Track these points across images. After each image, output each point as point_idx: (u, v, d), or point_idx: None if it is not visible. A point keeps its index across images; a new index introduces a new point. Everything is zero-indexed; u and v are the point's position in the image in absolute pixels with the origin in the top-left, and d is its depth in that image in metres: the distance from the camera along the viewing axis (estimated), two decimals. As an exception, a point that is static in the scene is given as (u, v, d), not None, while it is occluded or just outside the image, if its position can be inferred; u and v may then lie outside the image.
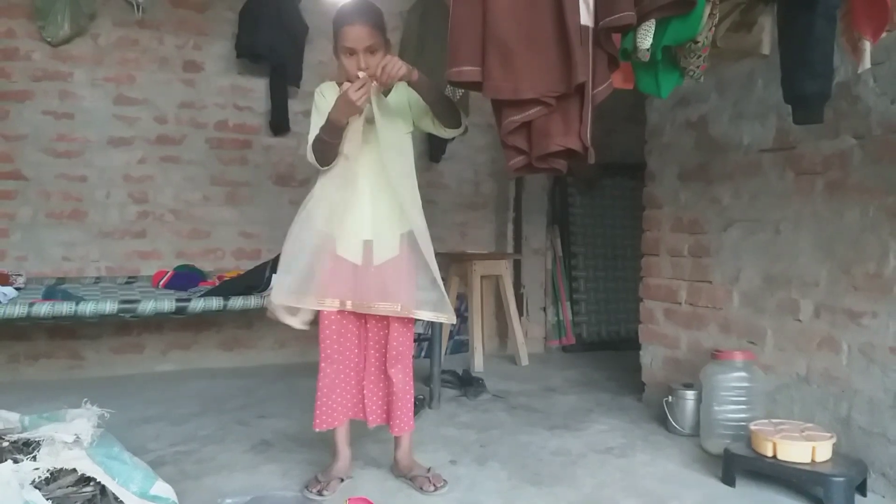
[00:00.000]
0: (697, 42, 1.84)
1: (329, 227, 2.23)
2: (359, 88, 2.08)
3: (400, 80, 2.12)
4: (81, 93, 3.97)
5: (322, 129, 2.20)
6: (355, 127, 2.18)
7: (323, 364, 2.31)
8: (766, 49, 2.08)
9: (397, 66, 2.07)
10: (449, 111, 2.26)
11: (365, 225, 2.26)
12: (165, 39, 4.11)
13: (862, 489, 2.23)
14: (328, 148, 2.21)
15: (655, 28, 1.78)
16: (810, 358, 2.56)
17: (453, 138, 4.41)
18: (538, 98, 1.80)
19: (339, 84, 2.23)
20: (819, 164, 2.55)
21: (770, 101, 2.72)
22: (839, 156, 2.47)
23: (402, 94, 2.30)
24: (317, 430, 2.32)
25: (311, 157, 2.25)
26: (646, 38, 1.75)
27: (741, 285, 2.88)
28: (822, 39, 1.85)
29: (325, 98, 2.26)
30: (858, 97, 2.40)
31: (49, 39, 3.85)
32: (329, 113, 2.17)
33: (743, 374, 2.64)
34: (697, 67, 1.89)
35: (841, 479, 2.14)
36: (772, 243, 2.74)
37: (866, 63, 1.96)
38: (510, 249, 4.83)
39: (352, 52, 2.15)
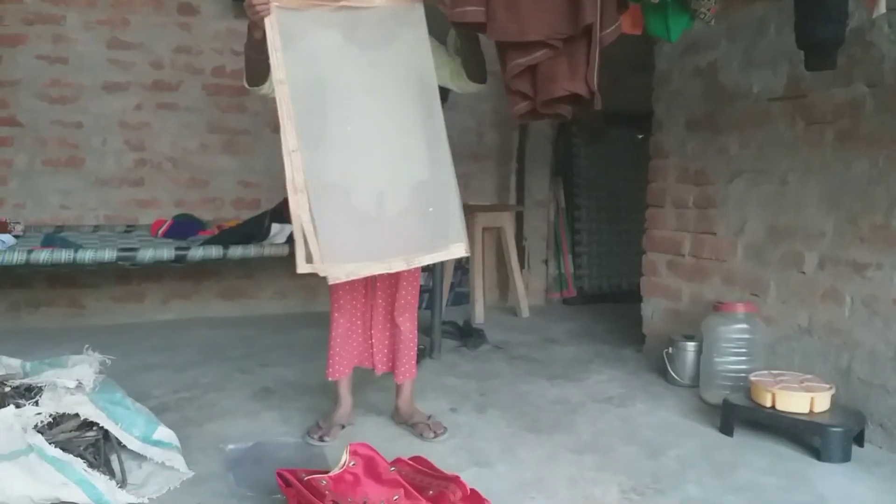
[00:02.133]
0: (710, -18, 1.77)
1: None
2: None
3: None
4: (75, 36, 3.87)
5: (246, 43, 2.12)
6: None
7: (336, 314, 2.32)
8: (780, -9, 2.01)
9: None
10: (479, 60, 2.16)
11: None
12: (160, -20, 4.00)
13: (859, 440, 2.24)
14: (253, 65, 2.13)
15: (667, -33, 1.72)
16: (813, 310, 2.55)
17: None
18: (544, 40, 1.74)
19: None
20: (830, 113, 2.50)
21: (782, 48, 2.65)
22: (851, 104, 2.42)
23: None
24: (330, 379, 2.35)
25: (245, 80, 2.20)
26: (657, -23, 1.69)
27: (746, 237, 2.86)
28: (839, -19, 1.78)
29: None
30: (872, 44, 2.33)
31: (40, -20, 3.75)
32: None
33: (744, 325, 2.64)
34: (708, 10, 1.83)
35: (838, 429, 2.16)
36: (778, 194, 2.71)
37: (881, 8, 1.89)
38: (513, 201, 4.79)
39: None
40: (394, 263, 2.06)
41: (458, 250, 2.12)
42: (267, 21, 2.00)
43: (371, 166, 2.12)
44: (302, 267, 2.02)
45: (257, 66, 2.13)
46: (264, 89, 2.21)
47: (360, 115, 2.10)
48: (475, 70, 2.20)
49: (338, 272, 1.99)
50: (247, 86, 2.23)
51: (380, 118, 2.13)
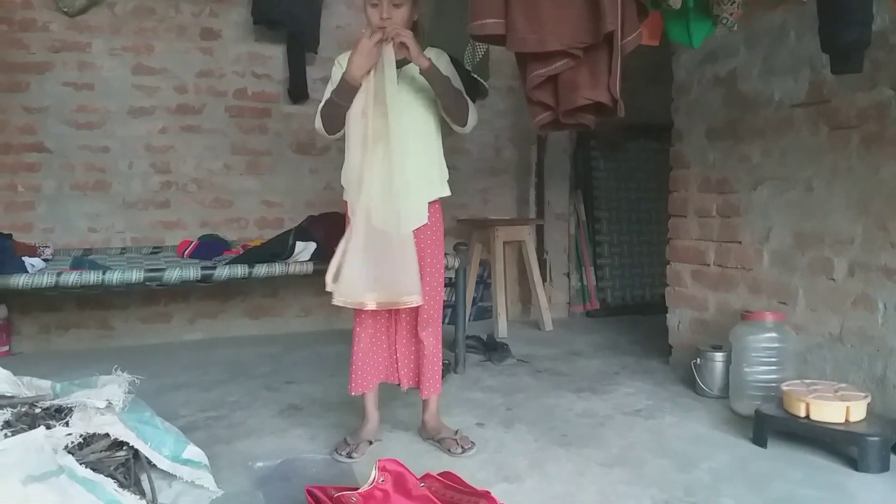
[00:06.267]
0: (731, -12, 1.76)
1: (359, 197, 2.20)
2: (371, 36, 2.05)
3: (400, 44, 2.08)
4: (100, 63, 3.96)
5: (335, 91, 2.18)
6: (375, 91, 2.14)
7: (358, 329, 2.33)
8: (803, -5, 2.00)
9: (400, 32, 2.05)
10: (456, 106, 2.21)
11: (391, 193, 2.18)
12: (182, 7, 4.08)
13: (897, 449, 2.19)
14: (338, 112, 2.20)
15: (687, -26, 1.72)
16: (844, 317, 2.51)
17: (473, 102, 4.38)
18: (564, 50, 1.74)
19: None
20: (854, 117, 2.47)
21: (803, 54, 2.63)
22: (876, 108, 2.39)
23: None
24: (352, 393, 2.35)
25: (318, 124, 2.27)
26: (677, -16, 1.68)
27: (771, 245, 2.82)
28: (862, -17, 1.76)
29: (341, 68, 2.21)
30: (895, 46, 2.31)
31: (66, 10, 3.83)
32: (343, 73, 2.15)
33: (773, 334, 2.60)
34: (731, 15, 1.82)
35: (876, 438, 2.10)
36: (803, 201, 2.67)
37: (907, 9, 1.87)
38: (532, 215, 4.78)
39: (375, 2, 2.11)
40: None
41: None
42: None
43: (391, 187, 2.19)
44: (329, 286, 2.19)
45: (341, 115, 2.22)
46: (340, 133, 2.29)
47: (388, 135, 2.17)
48: (452, 113, 2.23)
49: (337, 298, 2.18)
50: (326, 135, 2.29)
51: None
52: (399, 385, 2.42)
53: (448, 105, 2.21)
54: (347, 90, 2.16)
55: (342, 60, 2.23)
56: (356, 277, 2.16)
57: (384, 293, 2.18)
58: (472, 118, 2.27)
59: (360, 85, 2.16)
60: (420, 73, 2.15)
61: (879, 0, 2.02)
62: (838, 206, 2.53)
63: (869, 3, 1.84)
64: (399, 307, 2.24)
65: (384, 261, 2.16)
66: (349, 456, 2.21)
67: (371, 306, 2.21)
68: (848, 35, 1.83)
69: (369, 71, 2.15)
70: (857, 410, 2.18)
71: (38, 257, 3.29)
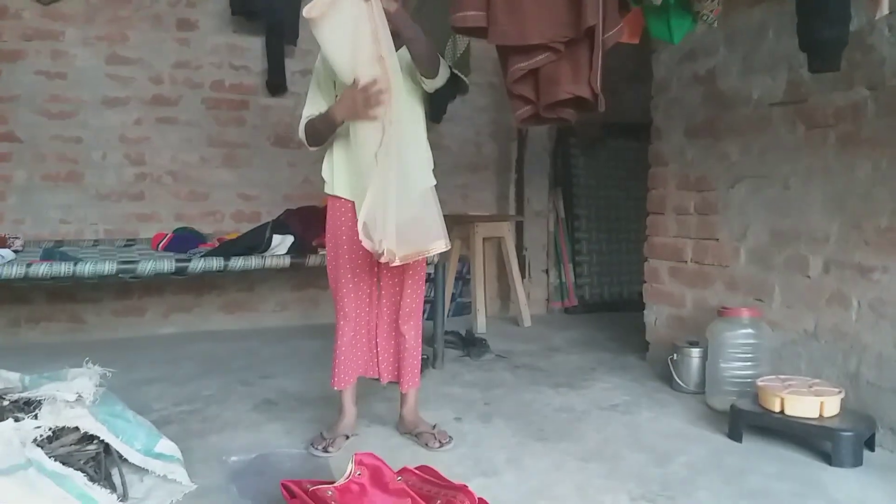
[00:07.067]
0: (712, -17, 1.77)
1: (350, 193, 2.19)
2: (374, 90, 1.95)
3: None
4: (74, 52, 3.88)
5: (320, 119, 2.15)
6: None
7: (341, 322, 2.30)
8: (781, -8, 2.01)
9: None
10: (428, 54, 2.11)
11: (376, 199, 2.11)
12: (158, -4, 4.01)
13: (870, 444, 2.22)
14: (321, 137, 2.19)
15: (668, -31, 1.72)
16: (819, 314, 2.53)
17: (454, 97, 4.38)
18: (546, 43, 1.74)
19: None
20: (831, 116, 2.49)
21: (781, 53, 2.65)
22: (852, 108, 2.41)
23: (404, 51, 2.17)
24: (336, 388, 2.32)
25: (302, 135, 2.23)
26: (659, -22, 1.68)
27: (748, 242, 2.84)
28: (841, -19, 1.78)
29: (324, 69, 2.18)
30: (872, 46, 2.33)
31: (39, -3, 3.75)
32: (332, 107, 2.10)
33: (750, 330, 2.62)
34: (711, 11, 1.83)
35: (849, 433, 2.13)
36: (781, 199, 2.70)
37: (884, 9, 1.88)
38: (512, 211, 4.79)
39: None
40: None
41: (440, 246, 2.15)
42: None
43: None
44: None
45: (326, 138, 2.20)
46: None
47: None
48: (424, 62, 2.11)
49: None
50: (310, 148, 2.26)
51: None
52: (378, 379, 2.40)
53: (420, 54, 2.09)
54: (332, 125, 2.13)
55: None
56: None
57: (411, 246, 2.09)
58: (443, 70, 2.18)
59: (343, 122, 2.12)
60: (389, 21, 2.01)
61: None
62: (814, 205, 2.56)
63: (847, 2, 1.86)
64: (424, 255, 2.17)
65: (412, 218, 2.11)
66: (325, 450, 2.19)
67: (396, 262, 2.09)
68: (826, 33, 1.84)
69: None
70: (830, 406, 2.21)
71: (8, 248, 3.21)
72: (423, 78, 2.16)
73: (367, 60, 1.96)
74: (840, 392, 2.25)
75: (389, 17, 1.99)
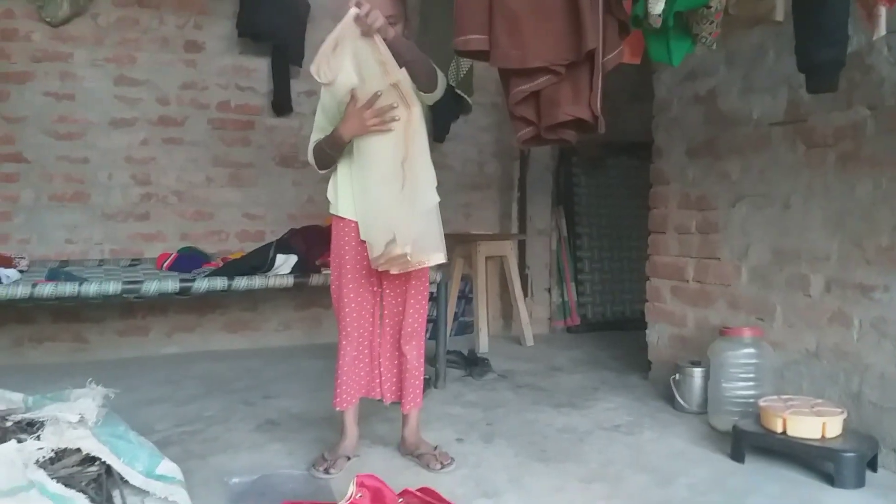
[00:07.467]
0: (710, 7, 1.79)
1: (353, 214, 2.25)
2: (376, 107, 2.02)
3: (377, 31, 2.01)
4: (82, 73, 3.93)
5: (326, 140, 2.20)
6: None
7: (344, 342, 2.31)
8: (779, 15, 2.03)
9: (378, 18, 1.98)
10: (425, 71, 2.14)
11: (388, 213, 2.18)
12: (166, 19, 4.06)
13: (873, 464, 2.20)
14: (329, 159, 2.23)
15: (667, -7, 1.74)
16: (820, 333, 2.53)
17: (457, 117, 4.41)
18: (547, 66, 1.76)
19: None
20: (831, 136, 2.51)
21: (781, 73, 2.67)
22: (852, 127, 2.43)
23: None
24: (337, 408, 2.32)
25: (311, 158, 2.27)
26: (658, 3, 1.70)
27: (750, 261, 2.85)
28: (837, 4, 1.80)
29: (330, 97, 2.21)
30: (872, 66, 2.35)
31: (48, 19, 3.81)
32: (337, 127, 2.15)
33: (751, 350, 2.62)
34: (710, 34, 1.85)
35: (852, 454, 2.12)
36: (781, 218, 2.71)
37: (881, 30, 1.91)
38: (514, 230, 4.80)
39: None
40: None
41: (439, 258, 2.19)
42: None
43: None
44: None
45: (334, 160, 2.25)
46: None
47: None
48: (422, 79, 2.14)
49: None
50: (319, 171, 2.31)
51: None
52: (381, 400, 2.40)
53: (417, 71, 2.11)
54: (340, 145, 2.18)
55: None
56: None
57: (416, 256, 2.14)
58: (441, 81, 2.21)
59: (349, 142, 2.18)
60: (389, 46, 2.05)
61: (855, 20, 2.06)
62: (815, 224, 2.57)
63: (844, 23, 1.88)
64: (424, 265, 2.21)
65: (419, 232, 2.16)
66: (327, 471, 2.19)
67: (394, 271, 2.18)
68: (824, 54, 1.86)
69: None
70: (833, 426, 2.20)
71: (14, 268, 3.23)
72: (422, 92, 2.19)
73: (381, 88, 2.05)
74: (842, 412, 2.24)
75: (388, 43, 2.04)
